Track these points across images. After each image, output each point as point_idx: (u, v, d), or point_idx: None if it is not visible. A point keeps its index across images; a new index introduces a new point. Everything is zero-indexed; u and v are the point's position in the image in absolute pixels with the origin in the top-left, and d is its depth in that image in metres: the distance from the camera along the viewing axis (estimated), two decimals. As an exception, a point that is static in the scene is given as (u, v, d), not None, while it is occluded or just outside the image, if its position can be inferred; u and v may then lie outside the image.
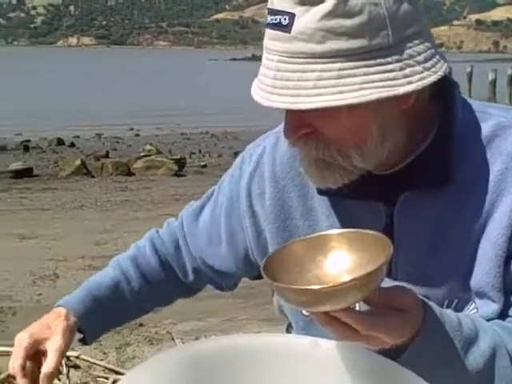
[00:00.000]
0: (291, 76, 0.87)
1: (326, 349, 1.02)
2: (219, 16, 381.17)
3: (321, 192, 1.06)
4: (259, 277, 1.35)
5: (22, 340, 1.19)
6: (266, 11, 0.92)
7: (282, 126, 1.18)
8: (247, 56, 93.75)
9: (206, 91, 26.79)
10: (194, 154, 12.05)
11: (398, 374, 0.95)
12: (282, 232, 1.12)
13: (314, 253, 0.96)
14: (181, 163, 9.72)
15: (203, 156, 11.83)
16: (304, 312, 1.17)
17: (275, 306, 1.28)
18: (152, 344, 2.74)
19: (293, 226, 1.11)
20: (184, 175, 9.33)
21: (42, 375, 1.18)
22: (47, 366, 1.16)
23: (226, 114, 18.82)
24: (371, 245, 0.92)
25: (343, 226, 1.02)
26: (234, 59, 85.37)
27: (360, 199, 1.02)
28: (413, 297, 0.90)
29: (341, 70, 0.85)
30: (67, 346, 1.22)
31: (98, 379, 2.40)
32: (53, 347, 1.18)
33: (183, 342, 2.68)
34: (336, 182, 0.97)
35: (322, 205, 1.08)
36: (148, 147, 11.84)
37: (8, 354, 2.66)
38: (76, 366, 2.50)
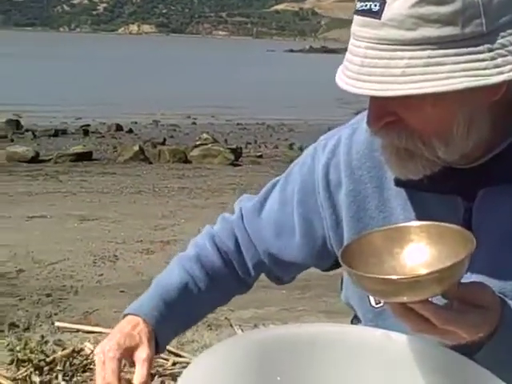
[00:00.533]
0: (379, 63, 0.86)
1: (398, 342, 1.01)
2: (279, 7, 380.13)
3: (398, 183, 1.04)
4: (331, 267, 1.34)
5: (112, 351, 1.16)
6: None
7: (358, 118, 1.18)
8: (305, 48, 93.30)
9: (263, 82, 26.79)
10: (249, 144, 12.08)
11: (472, 371, 0.94)
12: (355, 223, 1.12)
13: (391, 244, 0.95)
14: (237, 153, 9.75)
15: (259, 147, 11.85)
16: (373, 304, 1.16)
17: (342, 298, 1.28)
18: (211, 329, 2.77)
19: (367, 217, 1.10)
20: (240, 165, 9.36)
21: None
22: (140, 377, 1.14)
23: (283, 106, 18.77)
24: (451, 239, 0.91)
25: (419, 219, 1.01)
26: (292, 51, 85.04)
27: (438, 192, 1.01)
28: (492, 294, 0.89)
29: (430, 57, 0.84)
30: (153, 355, 1.19)
31: (159, 360, 2.44)
32: (141, 357, 1.15)
33: (242, 329, 2.71)
34: (417, 173, 0.96)
35: (398, 197, 1.07)
36: (204, 136, 11.92)
37: (70, 331, 2.74)
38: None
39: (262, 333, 1.10)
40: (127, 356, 1.22)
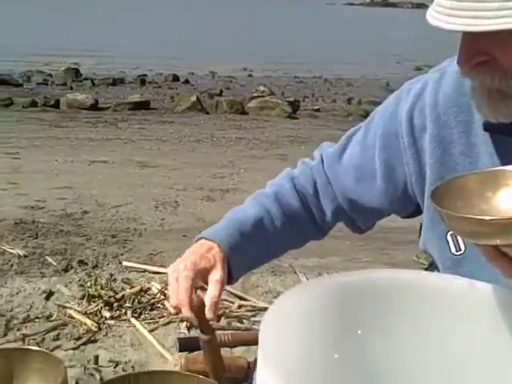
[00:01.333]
0: None
1: (482, 291, 0.98)
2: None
3: (486, 128, 1.01)
4: (411, 215, 1.31)
5: (187, 270, 1.19)
6: None
7: (445, 64, 1.14)
8: (365, 1, 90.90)
9: (321, 36, 26.31)
10: (306, 97, 11.93)
11: None
12: (439, 168, 1.09)
13: (482, 188, 0.92)
14: (295, 106, 9.65)
15: (316, 100, 11.69)
16: (453, 251, 1.13)
17: (420, 245, 1.24)
18: (275, 275, 2.77)
19: (452, 162, 1.08)
20: (297, 118, 9.27)
21: (207, 306, 1.17)
22: (212, 296, 1.16)
23: (341, 60, 18.43)
24: None
25: (506, 165, 0.96)
26: (352, 4, 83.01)
27: None
28: None
29: None
30: (226, 278, 1.21)
31: (224, 302, 2.46)
32: (215, 278, 1.18)
33: (307, 277, 2.70)
34: (509, 115, 0.92)
35: (485, 142, 1.03)
36: (261, 88, 11.83)
37: (137, 270, 2.77)
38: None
39: (342, 277, 1.07)
40: (200, 276, 1.22)
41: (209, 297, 1.17)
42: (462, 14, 0.82)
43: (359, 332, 1.02)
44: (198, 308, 1.19)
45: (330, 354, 1.01)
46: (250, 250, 1.28)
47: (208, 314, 1.17)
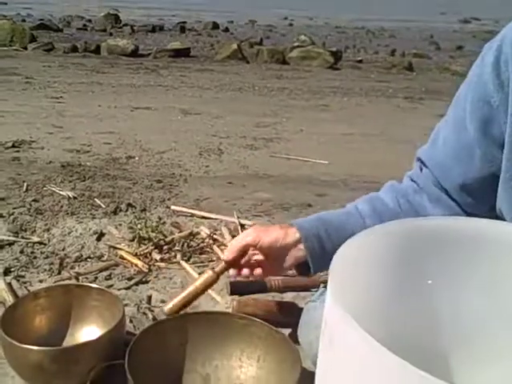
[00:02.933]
0: None
1: None
2: None
3: None
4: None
5: (248, 236, 1.40)
6: None
7: None
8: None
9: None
10: (348, 48, 11.72)
11: None
12: None
13: None
14: (337, 56, 9.48)
15: (358, 51, 11.48)
16: None
17: (497, 206, 1.20)
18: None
19: None
20: (339, 69, 9.11)
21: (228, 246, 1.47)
22: (237, 239, 1.46)
23: (383, 10, 17.99)
24: None
25: None
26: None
27: None
28: None
29: None
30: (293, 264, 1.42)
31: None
32: (266, 239, 1.34)
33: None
34: None
35: None
36: (302, 38, 11.65)
37: (185, 215, 2.78)
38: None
39: (411, 222, 1.05)
40: (256, 244, 1.32)
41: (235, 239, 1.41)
42: None
43: (429, 282, 1.01)
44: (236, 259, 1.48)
45: (398, 300, 1.00)
46: (329, 236, 1.31)
47: (226, 254, 1.47)
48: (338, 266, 0.86)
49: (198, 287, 1.58)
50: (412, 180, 1.32)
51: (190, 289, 1.58)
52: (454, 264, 1.00)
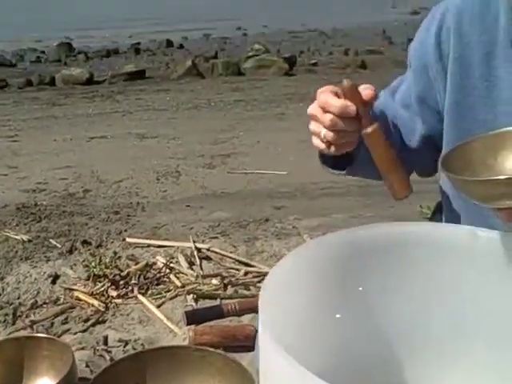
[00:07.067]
0: None
1: (485, 239, 0.96)
2: None
3: None
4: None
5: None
6: None
7: None
8: None
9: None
10: (303, 52, 11.78)
11: None
12: (457, 92, 1.07)
13: (486, 154, 0.91)
14: (291, 62, 9.53)
15: (313, 54, 11.55)
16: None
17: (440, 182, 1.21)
18: (280, 239, 2.76)
19: (470, 86, 1.06)
20: (294, 74, 9.16)
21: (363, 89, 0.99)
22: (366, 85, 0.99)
23: (334, 10, 18.14)
24: None
25: None
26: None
27: None
28: None
29: None
30: None
31: (230, 270, 2.45)
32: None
33: (310, 237, 2.68)
34: None
35: (507, 62, 1.02)
36: (257, 46, 11.69)
37: (141, 246, 2.76)
38: (207, 258, 2.57)
39: (341, 236, 1.05)
40: None
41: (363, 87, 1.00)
42: None
43: (360, 289, 1.01)
44: (349, 94, 0.96)
45: (331, 313, 1.00)
46: None
47: (366, 95, 0.96)
48: (268, 293, 0.85)
49: None
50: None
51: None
52: (386, 270, 1.01)
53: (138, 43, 14.39)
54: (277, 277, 0.89)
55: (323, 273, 0.99)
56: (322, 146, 1.01)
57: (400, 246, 1.01)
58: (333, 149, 1.00)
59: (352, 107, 0.93)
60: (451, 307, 0.99)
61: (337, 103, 0.93)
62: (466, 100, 1.06)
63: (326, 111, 0.96)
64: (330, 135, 0.96)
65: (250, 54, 10.54)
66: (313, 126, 1.01)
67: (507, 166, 0.91)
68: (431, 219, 1.58)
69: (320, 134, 0.99)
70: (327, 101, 0.94)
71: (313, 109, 0.99)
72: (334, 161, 1.14)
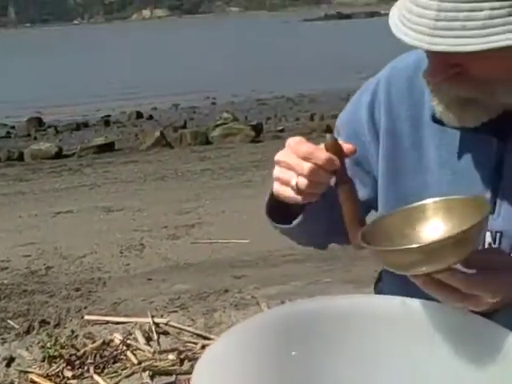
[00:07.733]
0: (457, 16, 0.81)
1: (414, 308, 1.00)
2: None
3: (435, 120, 1.03)
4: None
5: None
6: None
7: (401, 58, 1.15)
8: (320, 16, 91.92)
9: (279, 55, 26.54)
10: (269, 119, 12.02)
11: (491, 331, 0.92)
12: (391, 162, 1.10)
13: (404, 225, 0.94)
14: (258, 129, 9.72)
15: (279, 120, 11.78)
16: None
17: None
18: (238, 309, 2.77)
19: (402, 157, 1.10)
20: (261, 141, 9.32)
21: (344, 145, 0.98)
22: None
23: (301, 77, 18.60)
24: (466, 209, 0.89)
25: (452, 159, 1.02)
26: (307, 20, 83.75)
27: (473, 132, 0.98)
28: (509, 255, 0.90)
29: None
30: None
31: (188, 344, 2.45)
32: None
33: (269, 307, 2.70)
34: (476, 121, 0.93)
35: (432, 135, 1.06)
36: (225, 115, 11.88)
37: (100, 323, 2.75)
38: (165, 333, 2.57)
39: (281, 310, 1.08)
40: None
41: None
42: (445, 33, 0.82)
43: (293, 353, 1.03)
44: (332, 148, 0.95)
45: None
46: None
47: (347, 149, 0.96)
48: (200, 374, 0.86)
49: None
50: None
51: None
52: (319, 343, 1.03)
53: (108, 115, 14.54)
54: (208, 362, 0.91)
55: (256, 352, 1.01)
56: (290, 193, 0.97)
57: (329, 320, 1.03)
58: (299, 198, 0.97)
59: (337, 161, 0.93)
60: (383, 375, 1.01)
61: (322, 156, 0.92)
62: (397, 167, 1.10)
63: (306, 160, 0.94)
64: (304, 183, 0.93)
65: (219, 122, 10.71)
66: (281, 172, 0.96)
67: (423, 235, 0.95)
68: (375, 287, 1.61)
69: (290, 181, 0.95)
70: (313, 152, 0.93)
71: (285, 156, 0.95)
72: (284, 213, 1.10)
